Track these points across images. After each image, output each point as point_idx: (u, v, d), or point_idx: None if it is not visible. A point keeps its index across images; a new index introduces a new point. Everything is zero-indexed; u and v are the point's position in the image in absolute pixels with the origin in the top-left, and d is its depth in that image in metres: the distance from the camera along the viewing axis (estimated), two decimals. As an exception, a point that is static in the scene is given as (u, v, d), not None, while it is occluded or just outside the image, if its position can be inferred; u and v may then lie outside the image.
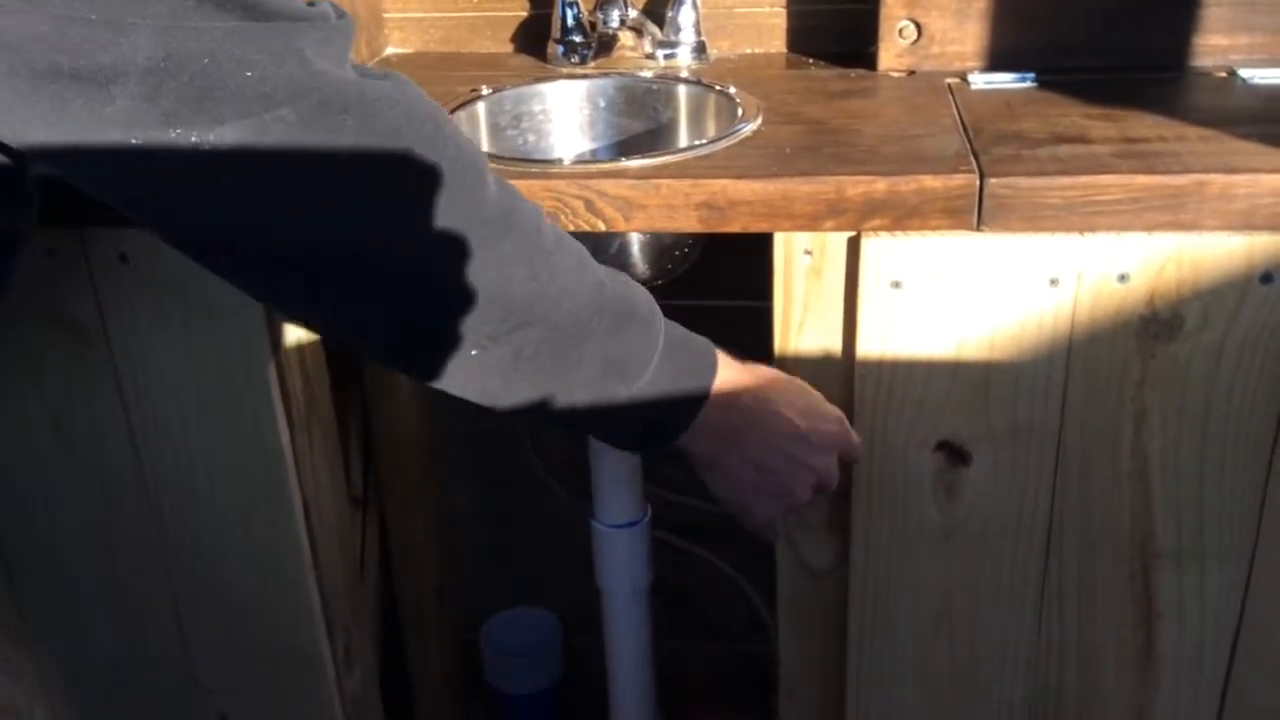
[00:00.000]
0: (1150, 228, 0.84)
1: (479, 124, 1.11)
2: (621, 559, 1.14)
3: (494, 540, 1.42)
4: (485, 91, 1.12)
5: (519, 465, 1.31)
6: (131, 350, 1.00)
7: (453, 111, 1.06)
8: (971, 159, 0.87)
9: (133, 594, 1.11)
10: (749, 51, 1.24)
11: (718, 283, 1.23)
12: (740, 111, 1.02)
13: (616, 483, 1.12)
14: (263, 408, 0.99)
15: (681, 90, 1.14)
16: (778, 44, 1.24)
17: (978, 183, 0.84)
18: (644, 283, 1.07)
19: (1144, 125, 0.93)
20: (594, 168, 0.92)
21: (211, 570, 1.08)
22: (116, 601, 1.12)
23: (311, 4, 0.62)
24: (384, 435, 1.26)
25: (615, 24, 1.16)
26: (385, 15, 1.29)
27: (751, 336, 1.16)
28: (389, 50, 1.30)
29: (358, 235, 0.63)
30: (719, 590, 1.34)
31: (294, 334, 1.02)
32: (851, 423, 0.92)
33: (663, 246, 1.03)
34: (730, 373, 0.82)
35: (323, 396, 1.07)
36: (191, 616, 1.11)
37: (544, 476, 1.30)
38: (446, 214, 0.64)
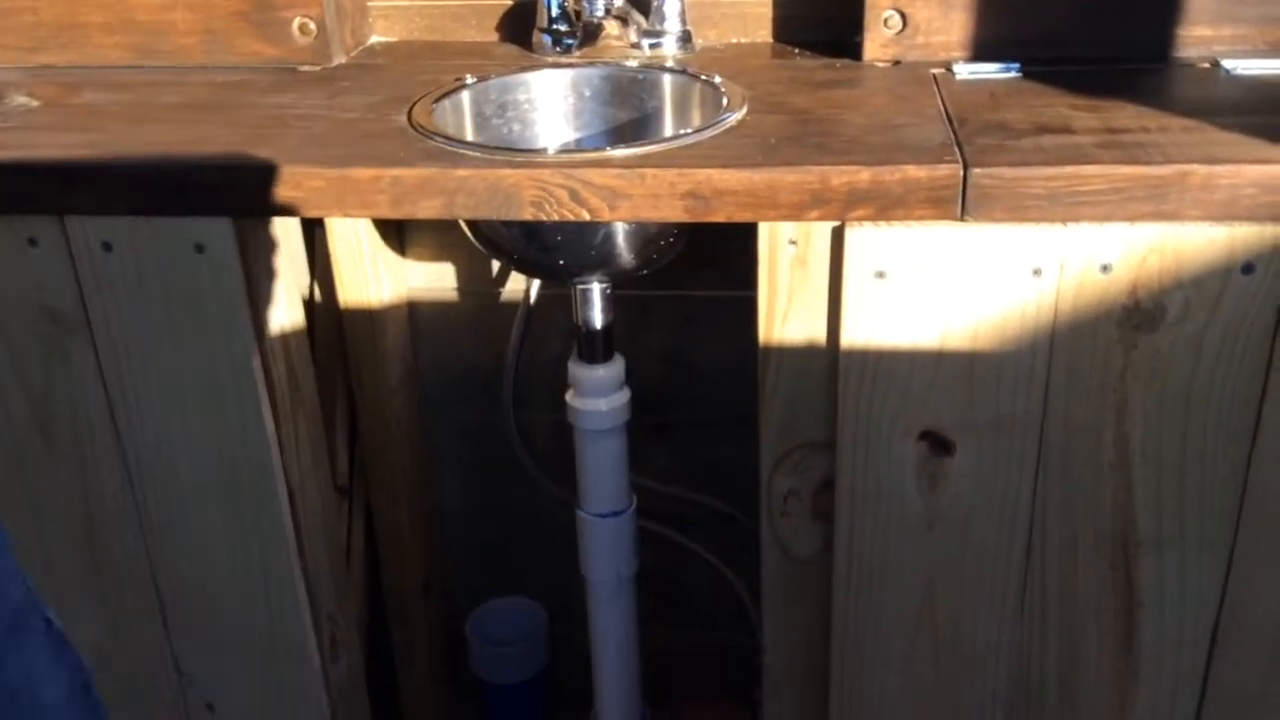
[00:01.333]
0: (1133, 218, 0.84)
1: (464, 113, 1.11)
2: (606, 548, 1.14)
3: (480, 530, 1.42)
4: (470, 80, 1.12)
5: (505, 455, 1.31)
6: (115, 339, 0.99)
7: (437, 100, 1.06)
8: (956, 149, 0.87)
9: (116, 583, 1.11)
10: (734, 41, 1.24)
11: (703, 273, 1.23)
12: (725, 101, 1.02)
13: (602, 473, 1.12)
14: (247, 397, 0.99)
15: (667, 80, 1.13)
16: (763, 33, 1.24)
17: (962, 173, 0.84)
18: (629, 272, 1.08)
19: (1127, 116, 0.93)
20: (579, 157, 0.91)
21: (195, 560, 1.08)
22: (100, 591, 1.11)
23: None
24: (370, 424, 1.26)
25: (600, 13, 1.15)
26: (370, 4, 1.28)
27: (737, 326, 1.17)
28: (374, 39, 1.29)
29: None
30: (705, 580, 1.35)
31: (279, 323, 1.01)
32: (836, 412, 0.92)
33: (648, 236, 1.02)
34: None
35: (307, 385, 1.07)
36: (175, 606, 1.11)
37: (530, 466, 1.30)
38: None
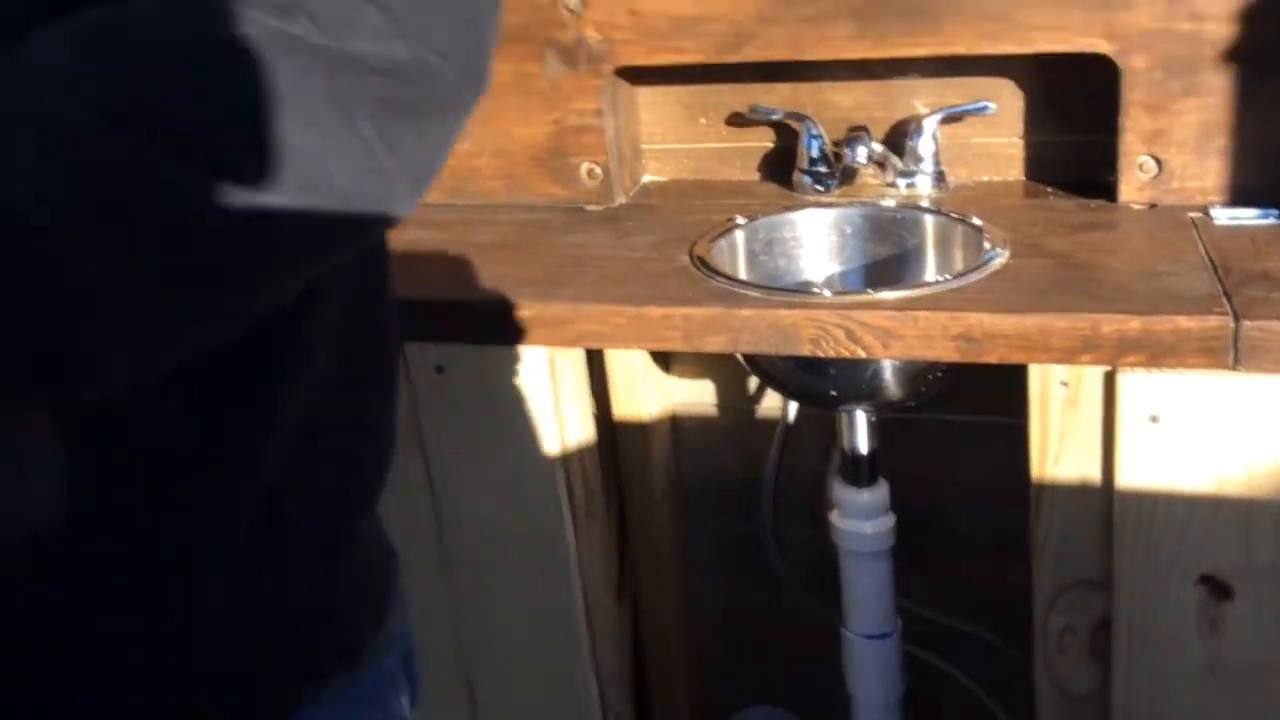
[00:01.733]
0: None
1: (737, 250, 1.21)
2: (874, 670, 1.16)
3: (738, 638, 1.45)
4: (741, 221, 1.22)
5: (760, 567, 1.36)
6: (444, 451, 1.13)
7: (714, 240, 1.16)
8: (1224, 300, 0.90)
9: (434, 684, 1.20)
10: (986, 179, 1.29)
11: (965, 399, 1.26)
12: (987, 243, 1.07)
13: (867, 595, 1.16)
14: (550, 505, 1.11)
15: (928, 220, 1.20)
16: (1015, 172, 1.28)
17: (1232, 325, 0.87)
18: (896, 404, 1.13)
19: (1401, 267, 0.94)
20: (852, 299, 0.99)
21: (503, 659, 1.18)
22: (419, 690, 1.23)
23: None
24: (639, 532, 1.34)
25: (863, 160, 1.23)
26: (643, 146, 1.42)
27: (996, 452, 1.19)
28: (646, 178, 1.42)
29: None
30: (961, 705, 1.34)
31: (576, 439, 1.13)
32: (1111, 551, 0.94)
33: (917, 371, 1.09)
34: None
35: (597, 495, 1.18)
36: (485, 704, 1.21)
37: (789, 583, 1.33)
38: None
